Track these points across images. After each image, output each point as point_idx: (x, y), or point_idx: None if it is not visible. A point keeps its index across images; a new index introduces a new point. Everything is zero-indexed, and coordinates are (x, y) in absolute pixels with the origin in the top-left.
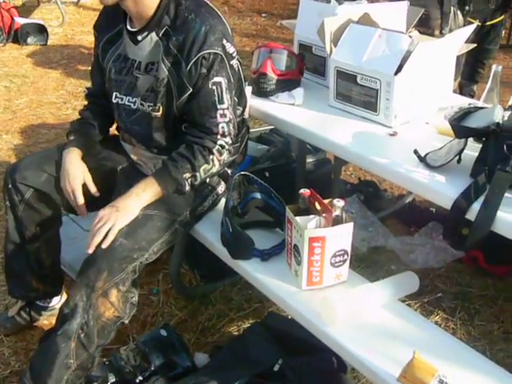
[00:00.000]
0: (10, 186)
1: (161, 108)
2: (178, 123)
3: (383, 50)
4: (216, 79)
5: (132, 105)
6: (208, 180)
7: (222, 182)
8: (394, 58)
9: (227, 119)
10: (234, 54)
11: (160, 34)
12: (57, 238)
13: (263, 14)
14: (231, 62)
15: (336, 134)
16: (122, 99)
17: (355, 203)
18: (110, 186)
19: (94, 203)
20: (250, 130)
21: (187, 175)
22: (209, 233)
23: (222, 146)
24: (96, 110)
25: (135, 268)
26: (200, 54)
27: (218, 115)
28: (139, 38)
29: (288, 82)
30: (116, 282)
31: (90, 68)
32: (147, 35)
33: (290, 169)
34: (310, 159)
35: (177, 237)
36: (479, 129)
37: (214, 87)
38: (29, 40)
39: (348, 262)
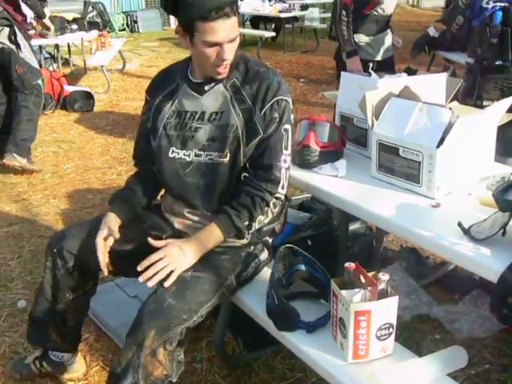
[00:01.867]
0: (55, 251)
1: (228, 154)
2: (242, 170)
3: (425, 123)
4: (286, 126)
5: (187, 157)
6: (252, 248)
7: (265, 250)
8: (436, 131)
9: (287, 165)
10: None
11: (227, 86)
12: (87, 303)
13: (301, 79)
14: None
15: (379, 205)
16: (178, 153)
17: (397, 271)
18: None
19: (128, 267)
20: (292, 198)
21: (246, 223)
22: (254, 303)
23: (278, 198)
24: (141, 175)
25: (183, 330)
26: (274, 99)
27: (282, 161)
28: (206, 88)
29: (331, 154)
30: (164, 341)
31: (134, 134)
32: (214, 86)
33: (332, 237)
34: (352, 227)
35: (223, 301)
36: None
37: (284, 133)
38: (76, 106)
39: (393, 334)
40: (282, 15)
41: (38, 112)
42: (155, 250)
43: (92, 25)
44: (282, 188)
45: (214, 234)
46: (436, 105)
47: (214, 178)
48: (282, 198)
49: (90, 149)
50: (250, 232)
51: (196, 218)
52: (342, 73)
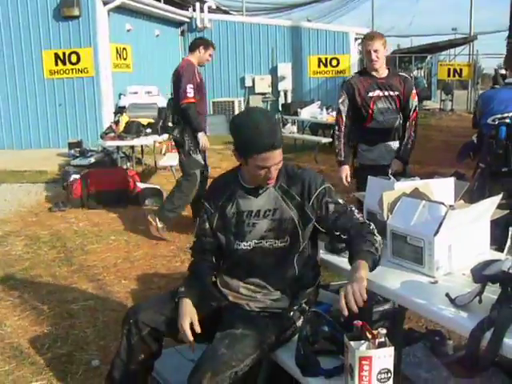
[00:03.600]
0: (131, 321)
1: (288, 239)
2: (298, 250)
3: (426, 217)
4: (338, 199)
5: (248, 247)
6: (291, 313)
7: (302, 317)
8: (434, 222)
9: (361, 213)
10: None
11: (276, 188)
12: (153, 364)
13: None
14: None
15: (391, 282)
16: (239, 245)
17: (420, 349)
18: (216, 319)
19: (202, 336)
20: (331, 283)
21: (379, 254)
22: (286, 357)
23: (373, 226)
24: (202, 265)
25: (231, 374)
26: (317, 191)
27: (356, 212)
28: (260, 191)
29: None
30: (217, 381)
31: (195, 229)
32: (266, 189)
33: (361, 315)
34: (378, 308)
35: (264, 356)
36: (490, 275)
37: (338, 201)
38: (147, 202)
39: (391, 379)
40: None
41: (188, 195)
42: (215, 317)
43: (164, 129)
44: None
45: (363, 265)
46: (436, 202)
47: (274, 259)
48: (372, 227)
49: (157, 239)
50: (381, 254)
51: (246, 292)
52: (369, 177)
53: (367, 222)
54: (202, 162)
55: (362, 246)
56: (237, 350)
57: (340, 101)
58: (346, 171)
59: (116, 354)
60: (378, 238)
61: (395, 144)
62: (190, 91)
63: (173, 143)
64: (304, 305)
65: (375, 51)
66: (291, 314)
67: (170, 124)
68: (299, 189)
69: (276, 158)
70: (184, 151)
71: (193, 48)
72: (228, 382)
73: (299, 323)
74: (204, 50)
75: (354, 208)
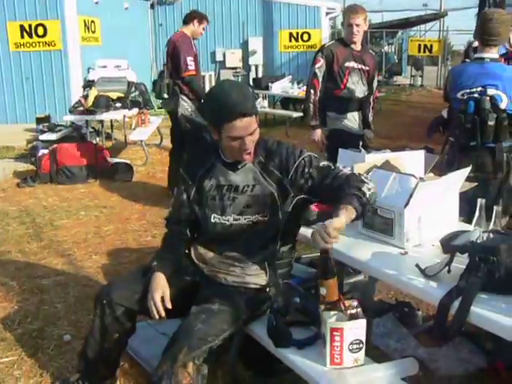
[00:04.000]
0: (104, 302)
1: (268, 214)
2: (278, 225)
3: (396, 189)
4: (320, 164)
5: (226, 222)
6: (268, 290)
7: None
8: (404, 194)
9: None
10: None
11: (255, 163)
12: (127, 340)
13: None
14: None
15: (362, 254)
16: (218, 219)
17: (390, 320)
18: (190, 294)
19: (176, 310)
20: (303, 256)
21: (366, 197)
22: (259, 330)
23: (363, 181)
24: (175, 236)
25: (207, 349)
26: (295, 165)
27: (342, 167)
28: (239, 167)
29: (327, 214)
30: (193, 357)
31: (167, 202)
32: (245, 165)
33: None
34: (349, 280)
35: (239, 330)
36: (459, 246)
37: (324, 164)
38: (117, 177)
39: (363, 349)
40: None
41: None
42: (190, 291)
43: (134, 103)
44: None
45: (348, 209)
46: (406, 174)
47: (253, 234)
48: (363, 176)
49: (128, 214)
50: (370, 206)
51: (223, 266)
52: (340, 149)
53: (355, 173)
54: None
55: (345, 192)
56: (213, 325)
57: (317, 66)
58: (320, 134)
59: (89, 332)
60: (369, 184)
61: (359, 114)
62: (191, 63)
63: (143, 117)
64: (280, 280)
65: (357, 25)
66: (267, 290)
67: (165, 95)
68: (277, 163)
69: (248, 126)
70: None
71: (187, 21)
72: (203, 356)
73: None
74: (198, 24)
75: (337, 165)
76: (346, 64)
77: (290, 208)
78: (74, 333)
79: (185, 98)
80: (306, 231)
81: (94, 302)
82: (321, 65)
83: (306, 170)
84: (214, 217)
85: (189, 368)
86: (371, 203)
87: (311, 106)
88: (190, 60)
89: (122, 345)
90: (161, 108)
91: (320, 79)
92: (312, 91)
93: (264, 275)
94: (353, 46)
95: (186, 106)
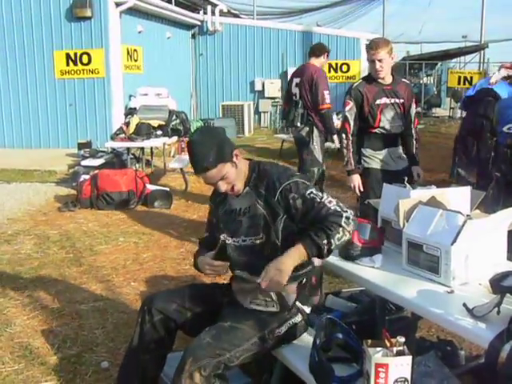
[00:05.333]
0: (145, 309)
1: (264, 236)
2: (274, 245)
3: (443, 226)
4: (308, 192)
5: (236, 243)
6: (286, 313)
7: (299, 314)
8: (451, 231)
9: (334, 201)
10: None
11: (251, 187)
12: (164, 358)
13: None
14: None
15: (406, 290)
16: (228, 240)
17: (432, 358)
18: (215, 315)
19: (199, 327)
20: (342, 290)
21: (324, 242)
22: (299, 363)
23: (348, 218)
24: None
25: (218, 364)
26: (281, 187)
27: (328, 203)
28: (241, 192)
29: (370, 249)
30: (198, 367)
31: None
32: (244, 190)
33: (373, 323)
34: (390, 316)
35: (257, 350)
36: (509, 286)
37: (312, 195)
38: (156, 203)
39: None
40: None
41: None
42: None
43: (174, 131)
44: (344, 211)
45: (299, 250)
46: (453, 211)
47: (256, 256)
48: (349, 214)
49: (166, 241)
50: (332, 249)
51: (237, 288)
52: (384, 184)
53: (339, 211)
54: (321, 162)
55: (309, 232)
56: (223, 340)
57: (347, 109)
58: (356, 180)
59: (129, 343)
60: (347, 227)
61: (399, 150)
62: (327, 97)
63: (183, 145)
64: (298, 303)
65: (379, 61)
66: (285, 312)
67: (299, 124)
68: (265, 185)
69: (211, 178)
70: (308, 150)
71: (318, 54)
72: (212, 368)
73: (297, 319)
74: (327, 58)
75: (325, 198)
76: (378, 102)
77: (281, 228)
78: (111, 360)
79: (317, 129)
80: (349, 265)
81: (138, 311)
82: (350, 107)
83: (291, 195)
84: (225, 237)
85: (196, 379)
86: (333, 248)
87: (345, 151)
88: (327, 94)
89: (158, 360)
90: None
91: (351, 122)
92: (344, 135)
93: (272, 306)
94: (381, 80)
95: (316, 139)
